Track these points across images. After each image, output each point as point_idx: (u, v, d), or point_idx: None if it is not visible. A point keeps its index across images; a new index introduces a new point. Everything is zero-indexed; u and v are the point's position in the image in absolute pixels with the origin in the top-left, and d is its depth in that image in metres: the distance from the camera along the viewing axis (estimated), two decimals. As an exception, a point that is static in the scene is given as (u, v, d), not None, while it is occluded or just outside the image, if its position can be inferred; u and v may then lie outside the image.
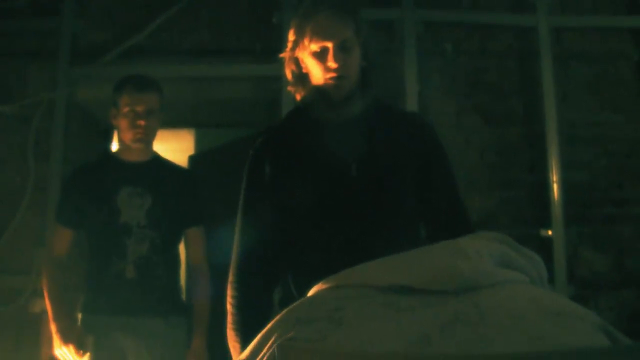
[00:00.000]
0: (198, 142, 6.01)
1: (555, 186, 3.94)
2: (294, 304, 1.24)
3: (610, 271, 4.00)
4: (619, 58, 4.28)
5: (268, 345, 1.16)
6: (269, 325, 1.21)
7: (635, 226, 4.06)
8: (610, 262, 4.01)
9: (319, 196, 2.10)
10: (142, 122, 2.95)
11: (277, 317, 1.22)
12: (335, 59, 2.08)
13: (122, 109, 2.96)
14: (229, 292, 2.16)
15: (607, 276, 4.00)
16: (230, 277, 2.18)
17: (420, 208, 2.18)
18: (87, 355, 2.84)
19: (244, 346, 2.02)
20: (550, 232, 3.91)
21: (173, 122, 4.53)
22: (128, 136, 2.98)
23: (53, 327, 2.84)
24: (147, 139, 3.02)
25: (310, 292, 1.30)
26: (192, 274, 3.14)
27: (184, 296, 3.17)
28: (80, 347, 2.80)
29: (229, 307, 2.15)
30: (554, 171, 3.96)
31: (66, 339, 2.80)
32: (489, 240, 1.27)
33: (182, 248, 3.18)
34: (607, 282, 3.99)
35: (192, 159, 5.51)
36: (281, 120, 2.33)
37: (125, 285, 2.90)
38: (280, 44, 4.02)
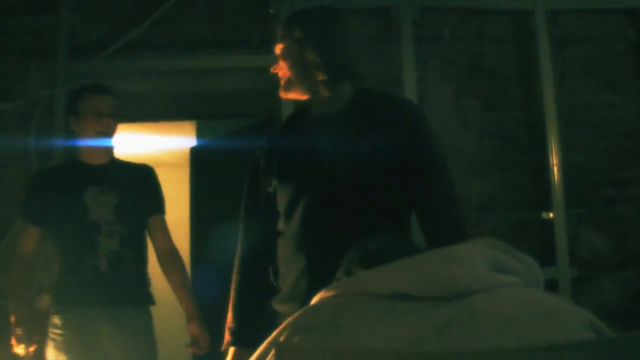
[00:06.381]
0: (199, 134, 6.02)
1: (555, 169, 3.95)
2: (297, 313, 1.29)
3: (612, 252, 4.01)
4: (616, 39, 4.27)
5: (271, 354, 1.22)
6: (272, 335, 1.27)
7: (636, 207, 4.07)
8: (612, 243, 4.02)
9: (295, 192, 2.23)
10: (105, 119, 3.13)
11: (280, 327, 1.27)
12: (275, 69, 2.36)
13: (85, 111, 3.12)
14: (233, 278, 2.41)
15: (609, 257, 4.01)
16: (235, 268, 2.42)
17: (408, 201, 2.23)
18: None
19: (233, 319, 2.35)
20: (551, 215, 3.91)
21: (174, 114, 4.55)
22: (92, 132, 3.13)
23: (15, 329, 3.00)
24: (111, 133, 3.18)
25: (313, 301, 1.35)
26: (165, 260, 3.29)
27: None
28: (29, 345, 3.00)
29: (231, 292, 2.40)
30: (553, 154, 3.96)
31: (20, 340, 2.99)
32: (483, 246, 1.31)
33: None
34: (609, 263, 4.00)
35: (194, 150, 5.53)
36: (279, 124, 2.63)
37: (100, 278, 3.04)
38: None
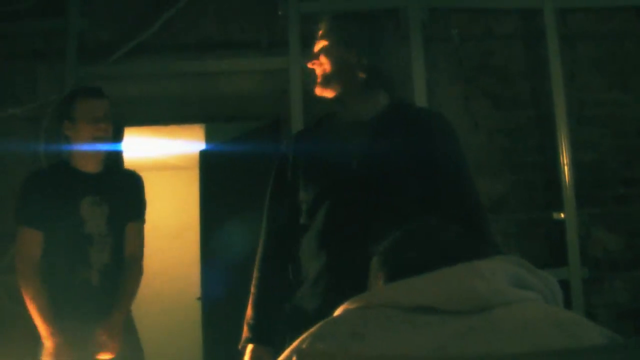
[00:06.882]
0: (208, 136, 6.04)
1: (565, 168, 3.92)
2: (319, 324, 1.29)
3: (624, 251, 3.99)
4: (625, 36, 4.25)
5: None
6: (293, 344, 1.27)
7: (647, 206, 4.05)
8: (623, 242, 4.00)
9: (322, 190, 2.27)
10: (101, 124, 3.06)
11: (301, 337, 1.27)
12: (313, 64, 2.38)
13: (80, 115, 3.06)
14: (254, 274, 2.41)
15: (620, 256, 3.99)
16: (256, 264, 2.43)
17: (433, 206, 2.23)
18: None
19: (253, 315, 2.33)
20: (562, 215, 3.90)
21: (183, 117, 4.56)
22: (88, 136, 3.06)
23: (48, 342, 2.88)
24: (107, 137, 3.11)
25: (336, 312, 1.37)
26: (126, 265, 3.18)
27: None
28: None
29: (251, 288, 2.39)
30: (564, 153, 3.94)
31: (60, 355, 2.87)
32: (505, 263, 1.34)
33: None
34: (621, 262, 3.98)
35: (203, 152, 5.53)
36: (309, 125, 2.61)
37: (91, 293, 3.01)
38: (286, 36, 4.04)
